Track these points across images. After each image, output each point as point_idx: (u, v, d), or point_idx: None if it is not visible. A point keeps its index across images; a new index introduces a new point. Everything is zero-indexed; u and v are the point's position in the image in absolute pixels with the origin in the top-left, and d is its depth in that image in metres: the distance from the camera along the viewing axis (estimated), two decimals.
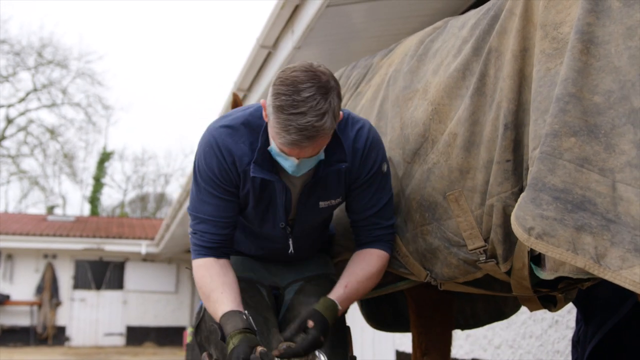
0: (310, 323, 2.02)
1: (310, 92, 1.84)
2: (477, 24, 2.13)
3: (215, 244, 2.19)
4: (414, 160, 2.23)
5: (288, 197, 2.18)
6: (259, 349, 1.94)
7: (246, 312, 2.07)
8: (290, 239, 2.29)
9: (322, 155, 2.05)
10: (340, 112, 2.01)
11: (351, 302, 2.24)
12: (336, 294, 2.16)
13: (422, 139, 2.20)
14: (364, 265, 2.25)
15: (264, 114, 2.01)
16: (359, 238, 2.34)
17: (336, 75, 3.11)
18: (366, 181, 2.23)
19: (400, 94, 2.39)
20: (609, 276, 1.45)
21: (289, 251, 2.31)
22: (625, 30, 1.58)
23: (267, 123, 2.02)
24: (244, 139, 2.11)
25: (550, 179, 1.57)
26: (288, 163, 1.99)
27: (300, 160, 1.98)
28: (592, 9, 1.64)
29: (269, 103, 1.93)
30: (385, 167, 2.24)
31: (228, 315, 2.04)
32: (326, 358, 2.11)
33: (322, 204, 2.24)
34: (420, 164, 2.20)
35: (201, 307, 2.35)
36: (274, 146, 2.00)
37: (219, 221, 2.17)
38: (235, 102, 3.54)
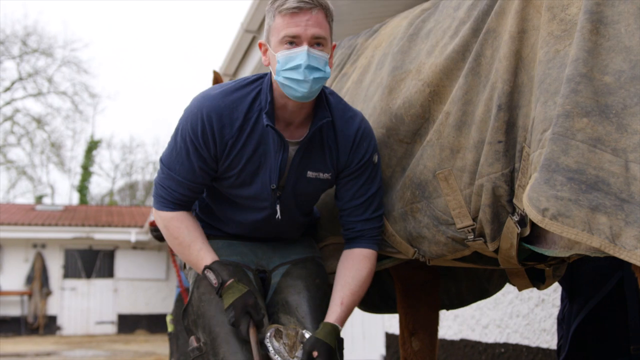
0: (315, 353, 2.09)
1: None
2: (474, 5, 2.12)
3: (182, 202, 2.28)
4: (414, 141, 2.23)
5: (284, 157, 2.20)
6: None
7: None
8: (278, 205, 2.29)
9: (328, 70, 2.11)
10: (335, 43, 2.20)
11: (349, 315, 2.29)
12: (335, 315, 2.21)
13: (421, 120, 2.20)
14: (354, 273, 2.29)
15: (263, 58, 2.16)
16: (345, 232, 2.36)
17: None
18: (356, 170, 2.27)
19: (390, 74, 2.38)
20: (624, 256, 1.46)
21: (277, 217, 2.30)
22: (637, 10, 1.59)
23: (268, 78, 2.17)
24: (244, 99, 2.17)
25: (563, 160, 1.56)
26: (301, 57, 2.04)
27: (310, 52, 2.05)
28: None
29: (269, 21, 2.12)
30: (376, 158, 2.28)
31: (218, 263, 2.21)
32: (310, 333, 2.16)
33: (310, 173, 2.26)
34: (421, 143, 2.21)
35: (180, 293, 2.37)
36: (280, 66, 2.07)
37: (189, 184, 2.23)
38: (217, 80, 3.53)
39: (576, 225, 1.52)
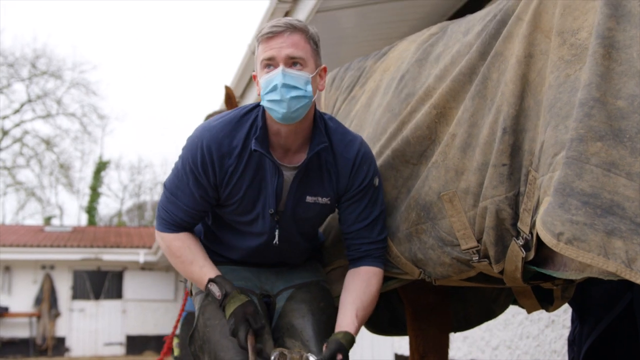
0: (340, 356, 2.12)
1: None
2: (483, 30, 2.14)
3: (183, 225, 2.33)
4: (420, 162, 2.24)
5: (279, 181, 2.22)
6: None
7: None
8: (277, 230, 2.31)
9: (309, 89, 2.14)
10: (325, 66, 2.26)
11: (360, 329, 2.30)
12: (352, 326, 2.23)
13: (427, 141, 2.20)
14: (365, 289, 2.30)
15: (257, 89, 2.19)
16: (350, 252, 2.37)
17: (331, 75, 3.12)
18: (357, 193, 2.28)
19: (399, 98, 2.40)
20: None
21: (274, 242, 2.32)
22: None
23: (263, 110, 2.21)
24: (242, 127, 2.22)
25: (578, 184, 1.56)
26: (277, 78, 2.10)
27: (285, 71, 2.10)
28: (612, 14, 1.65)
29: (255, 50, 2.20)
30: (377, 181, 2.29)
31: (221, 277, 2.25)
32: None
33: (309, 198, 2.28)
34: (427, 165, 2.21)
35: (186, 317, 2.38)
36: (262, 91, 2.13)
37: (189, 210, 2.29)
38: (229, 95, 3.56)
39: (592, 249, 1.51)
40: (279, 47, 2.11)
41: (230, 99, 3.60)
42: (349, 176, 2.27)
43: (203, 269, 2.28)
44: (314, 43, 2.18)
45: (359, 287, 2.30)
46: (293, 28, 2.13)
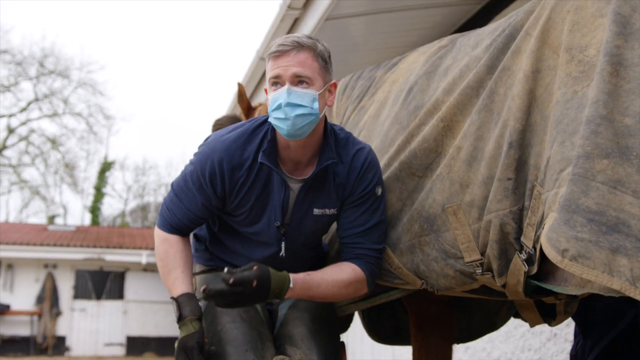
0: (255, 283, 2.01)
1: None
2: (491, 44, 2.14)
3: (181, 228, 2.35)
4: (425, 175, 2.24)
5: (286, 194, 2.24)
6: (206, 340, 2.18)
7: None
8: (283, 242, 2.33)
9: (315, 107, 2.14)
10: (334, 82, 2.27)
11: (307, 293, 2.19)
12: (295, 275, 2.15)
13: (434, 154, 2.21)
14: (336, 270, 2.26)
15: (267, 107, 2.19)
16: (343, 255, 2.35)
17: (342, 83, 3.12)
18: (358, 199, 2.29)
19: (406, 110, 2.40)
20: None
21: (280, 254, 2.34)
22: None
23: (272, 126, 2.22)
24: (254, 140, 2.24)
25: (584, 201, 1.56)
26: (282, 96, 2.11)
27: (290, 90, 2.11)
28: (620, 32, 1.66)
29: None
30: (379, 191, 2.29)
31: (186, 296, 2.23)
32: None
33: (316, 210, 2.29)
34: (432, 177, 2.22)
35: None
36: (270, 108, 2.14)
37: (191, 215, 2.31)
38: (241, 92, 3.61)
39: (596, 267, 1.51)
40: (285, 66, 2.12)
41: (242, 96, 3.66)
42: (354, 182, 2.28)
43: (176, 282, 2.28)
44: (322, 60, 2.19)
45: (330, 268, 2.27)
46: (300, 46, 2.14)
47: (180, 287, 2.26)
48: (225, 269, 2.02)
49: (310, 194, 2.27)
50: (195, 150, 2.32)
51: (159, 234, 2.37)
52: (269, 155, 2.20)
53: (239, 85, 3.65)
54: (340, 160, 2.28)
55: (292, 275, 2.13)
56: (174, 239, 2.34)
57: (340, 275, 2.25)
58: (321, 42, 2.23)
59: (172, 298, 2.25)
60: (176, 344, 2.18)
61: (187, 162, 2.34)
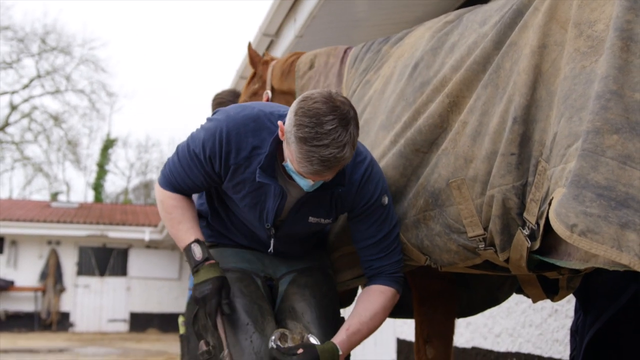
0: (300, 350, 2.11)
1: (333, 124, 1.90)
2: (499, 20, 2.12)
3: (181, 190, 2.33)
4: (431, 150, 2.23)
5: (282, 203, 2.24)
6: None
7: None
8: (272, 240, 2.36)
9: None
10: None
11: (356, 344, 2.29)
12: (338, 338, 2.22)
13: (439, 129, 2.20)
14: (367, 305, 2.31)
15: (279, 133, 2.06)
16: (365, 270, 2.40)
17: (353, 53, 3.07)
18: (364, 211, 2.29)
19: (411, 86, 2.39)
20: None
21: (269, 250, 2.38)
22: None
23: (281, 141, 2.10)
24: (259, 134, 2.18)
25: (593, 176, 1.56)
26: (304, 182, 2.06)
27: (315, 184, 2.07)
28: (630, 7, 1.65)
29: (289, 130, 1.96)
30: (385, 200, 2.28)
31: (201, 242, 2.25)
32: (317, 341, 2.20)
33: (311, 219, 2.31)
34: (437, 152, 2.21)
35: (191, 295, 2.40)
36: (291, 166, 2.04)
37: (189, 181, 2.29)
38: (252, 57, 3.57)
39: (605, 242, 1.51)
40: (317, 179, 2.04)
41: (252, 59, 3.60)
42: (354, 195, 2.26)
43: (190, 230, 2.28)
44: (353, 149, 1.99)
45: (361, 305, 2.32)
46: (336, 168, 1.99)
47: (197, 235, 2.27)
48: (271, 344, 2.12)
49: (307, 205, 2.27)
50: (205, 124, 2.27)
51: (161, 192, 2.35)
52: (266, 169, 2.14)
53: (250, 48, 3.60)
54: (342, 172, 2.22)
55: (337, 342, 2.19)
56: (179, 197, 2.33)
57: (373, 306, 2.31)
58: (353, 112, 1.98)
59: (196, 240, 2.24)
60: (207, 283, 2.17)
61: (194, 130, 2.30)
